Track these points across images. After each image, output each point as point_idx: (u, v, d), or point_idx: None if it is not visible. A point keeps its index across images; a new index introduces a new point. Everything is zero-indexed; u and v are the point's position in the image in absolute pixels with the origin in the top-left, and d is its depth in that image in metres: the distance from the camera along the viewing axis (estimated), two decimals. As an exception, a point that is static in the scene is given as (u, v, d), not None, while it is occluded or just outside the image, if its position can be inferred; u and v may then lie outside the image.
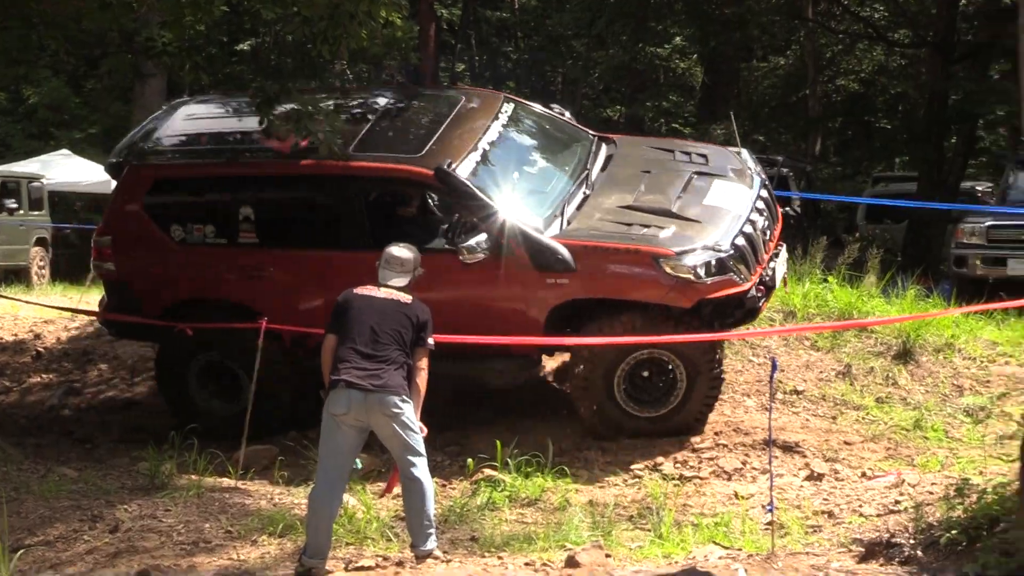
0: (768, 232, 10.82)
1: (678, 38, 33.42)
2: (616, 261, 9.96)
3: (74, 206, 29.36)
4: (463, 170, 10.23)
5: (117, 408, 12.34)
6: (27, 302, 15.23)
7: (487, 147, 10.60)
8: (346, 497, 8.12)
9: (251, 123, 10.68)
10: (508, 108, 11.17)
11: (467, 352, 9.92)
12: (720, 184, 10.85)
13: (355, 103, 11.46)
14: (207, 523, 8.60)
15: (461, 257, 10.05)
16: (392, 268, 7.87)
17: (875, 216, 25.14)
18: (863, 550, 7.28)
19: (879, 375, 11.41)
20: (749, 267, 10.21)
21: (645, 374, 10.16)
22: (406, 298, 7.77)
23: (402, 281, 7.84)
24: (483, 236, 10.04)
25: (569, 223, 10.30)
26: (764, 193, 11.05)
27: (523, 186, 10.67)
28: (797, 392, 11.13)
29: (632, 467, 9.84)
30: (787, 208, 16.84)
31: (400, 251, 7.95)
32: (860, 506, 8.53)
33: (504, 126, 10.94)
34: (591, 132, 11.87)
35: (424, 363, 7.69)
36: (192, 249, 10.95)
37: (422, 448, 7.64)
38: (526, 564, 7.53)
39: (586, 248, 10.01)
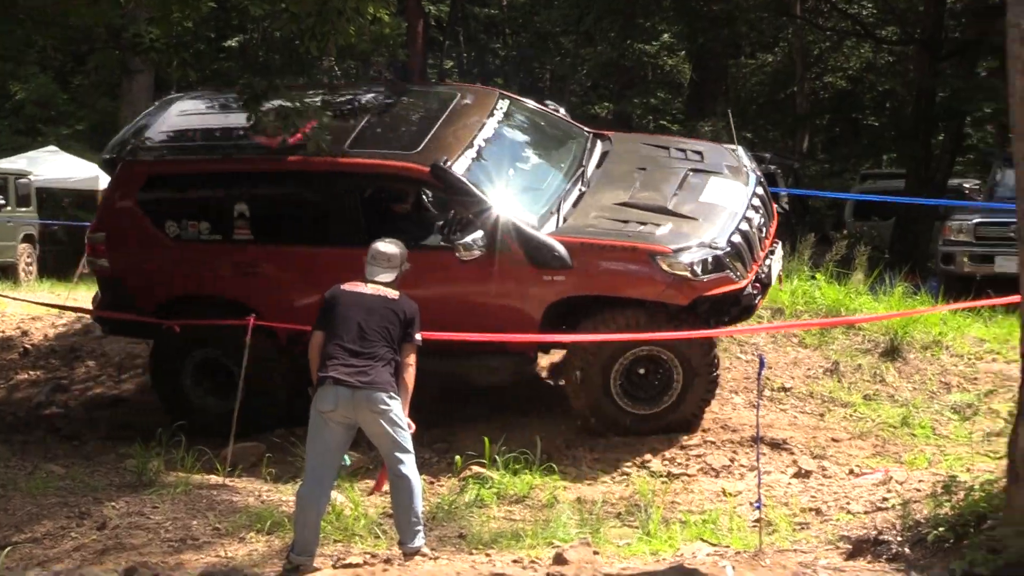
0: (764, 229, 10.82)
1: (666, 35, 33.43)
2: (612, 258, 9.94)
3: (62, 202, 29.24)
4: (459, 167, 10.20)
5: (104, 405, 12.30)
6: (14, 299, 15.19)
7: (483, 144, 10.56)
8: (334, 494, 8.11)
9: (245, 119, 10.64)
10: (503, 105, 11.13)
11: (463, 349, 9.91)
12: (716, 181, 10.84)
13: (345, 100, 11.41)
14: (195, 520, 8.57)
15: (457, 254, 10.03)
16: (379, 264, 7.85)
17: (863, 213, 25.15)
18: (851, 547, 7.30)
19: (867, 372, 11.42)
20: (745, 264, 10.20)
21: (642, 371, 10.15)
22: (393, 294, 7.75)
23: (389, 277, 7.82)
24: (479, 233, 10.01)
25: (565, 220, 10.28)
26: (760, 190, 11.04)
27: (519, 183, 10.65)
28: (785, 389, 11.14)
29: (620, 464, 9.82)
30: (775, 205, 16.83)
31: (386, 246, 7.93)
32: (848, 503, 8.53)
33: (499, 123, 10.90)
34: (586, 129, 11.84)
35: (412, 359, 7.68)
36: (186, 245, 10.91)
37: (410, 445, 7.62)
38: (514, 561, 7.53)
39: (582, 245, 9.99)
